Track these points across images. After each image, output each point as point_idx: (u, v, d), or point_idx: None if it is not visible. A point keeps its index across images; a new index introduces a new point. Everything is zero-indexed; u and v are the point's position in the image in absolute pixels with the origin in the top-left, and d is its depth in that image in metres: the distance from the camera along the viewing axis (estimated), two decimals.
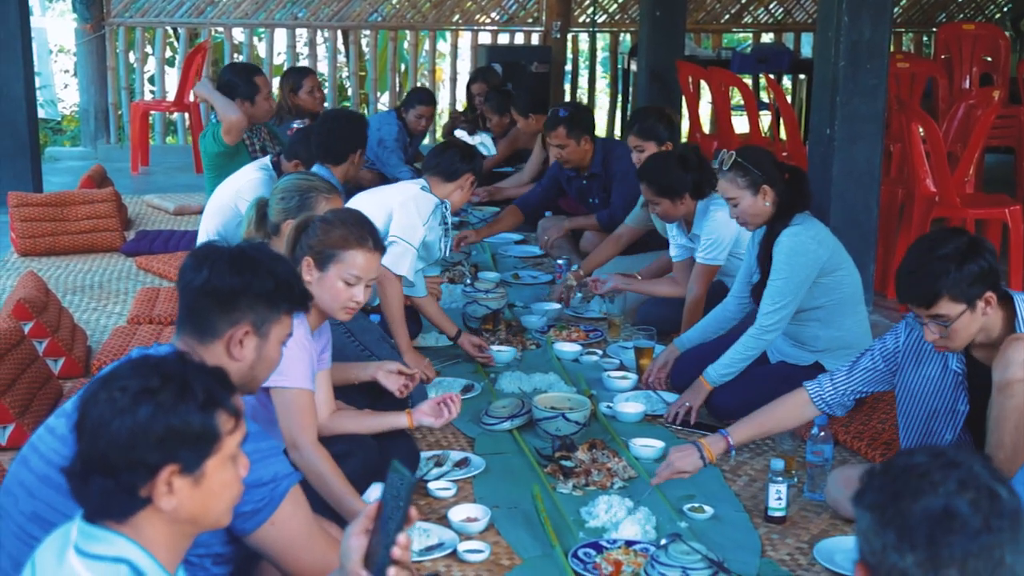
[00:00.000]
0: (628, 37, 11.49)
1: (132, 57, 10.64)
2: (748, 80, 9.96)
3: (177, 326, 2.52)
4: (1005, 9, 12.03)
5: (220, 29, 10.75)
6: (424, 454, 3.83)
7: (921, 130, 5.82)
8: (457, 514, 3.46)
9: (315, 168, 5.21)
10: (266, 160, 5.49)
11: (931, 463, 1.56)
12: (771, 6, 11.56)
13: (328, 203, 3.92)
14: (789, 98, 10.70)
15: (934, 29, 11.27)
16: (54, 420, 2.44)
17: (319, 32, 10.95)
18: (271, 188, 5.35)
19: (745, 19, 11.62)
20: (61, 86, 13.65)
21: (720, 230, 4.80)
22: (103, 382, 1.85)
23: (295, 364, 3.13)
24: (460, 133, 7.80)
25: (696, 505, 3.55)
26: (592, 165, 6.23)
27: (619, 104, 11.22)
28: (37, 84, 8.51)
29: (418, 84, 11.25)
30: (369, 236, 3.35)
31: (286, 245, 3.35)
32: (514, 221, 6.51)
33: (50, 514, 2.30)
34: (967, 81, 8.89)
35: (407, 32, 11.10)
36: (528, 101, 7.58)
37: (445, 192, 4.74)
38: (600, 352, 5.03)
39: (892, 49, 5.91)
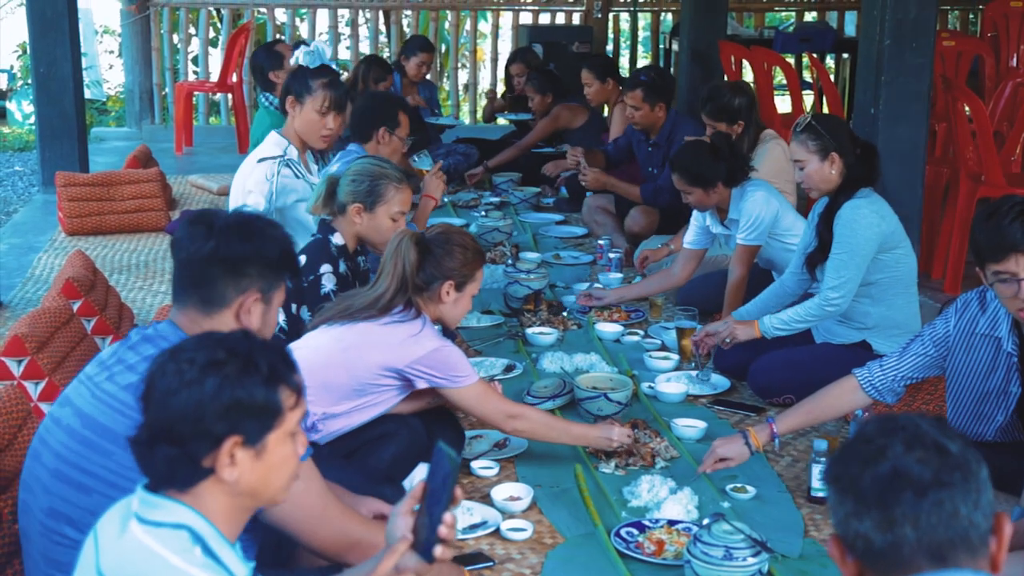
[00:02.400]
0: (669, 16, 11.42)
1: (176, 38, 10.72)
2: (791, 59, 9.87)
3: (176, 299, 2.47)
4: None
5: (263, 10, 10.80)
6: (468, 433, 3.86)
7: (967, 109, 5.76)
8: (500, 493, 3.49)
9: (351, 146, 5.20)
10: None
11: (879, 430, 1.62)
12: None
13: (397, 191, 3.96)
14: (832, 77, 10.60)
15: (981, 6, 11.09)
16: (58, 409, 2.42)
17: (361, 12, 10.97)
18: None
19: None
20: (106, 67, 13.77)
21: (759, 210, 4.78)
22: (170, 355, 1.90)
23: (462, 362, 3.44)
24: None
25: (739, 485, 3.56)
26: (659, 134, 6.25)
27: None
28: (83, 65, 8.58)
29: (459, 65, 11.26)
30: (483, 252, 3.67)
31: (414, 262, 3.44)
32: (598, 162, 6.65)
33: (66, 508, 2.31)
34: (1014, 59, 8.75)
35: (448, 12, 11.09)
36: (603, 63, 7.56)
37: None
38: (642, 333, 5.04)
39: (938, 27, 5.84)
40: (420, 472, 3.53)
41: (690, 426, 4.00)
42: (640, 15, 11.46)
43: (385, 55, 10.87)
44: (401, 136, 5.14)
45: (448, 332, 4.65)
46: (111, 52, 13.80)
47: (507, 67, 8.71)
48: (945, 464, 1.56)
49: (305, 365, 2.55)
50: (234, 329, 2.40)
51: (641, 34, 11.71)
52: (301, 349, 3.10)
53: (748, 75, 8.53)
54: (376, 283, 3.44)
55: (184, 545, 1.82)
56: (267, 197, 4.59)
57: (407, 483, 3.46)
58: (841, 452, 1.64)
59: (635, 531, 3.26)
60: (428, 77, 8.61)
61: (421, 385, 3.42)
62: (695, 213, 5.08)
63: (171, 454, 1.85)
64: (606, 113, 8.07)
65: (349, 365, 3.35)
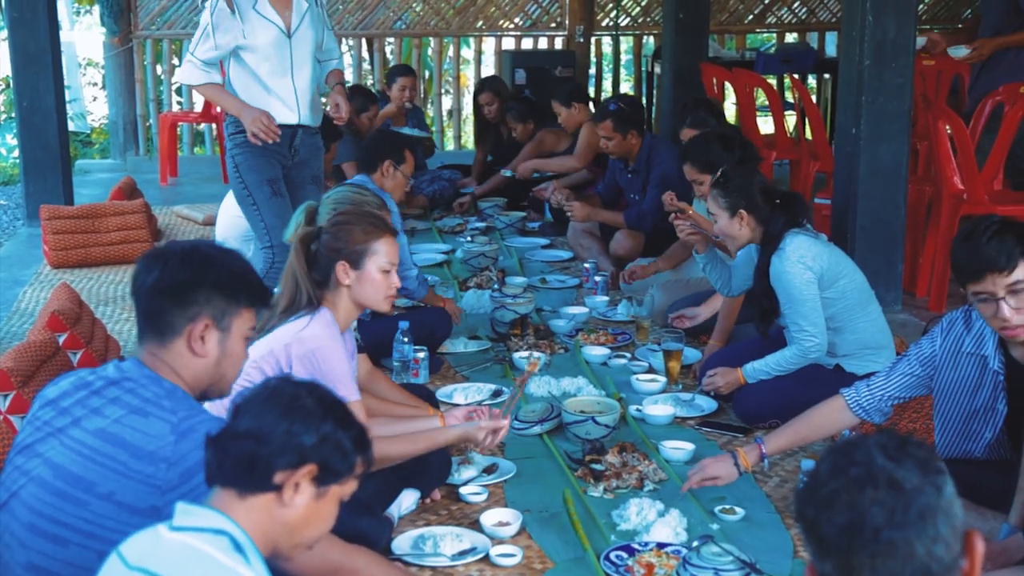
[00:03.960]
0: (651, 40, 11.48)
1: (159, 69, 10.73)
2: (773, 80, 9.93)
3: (139, 336, 2.46)
4: None
5: None
6: (455, 459, 3.85)
7: (948, 128, 5.80)
8: (489, 519, 3.47)
9: (358, 177, 5.35)
10: None
11: (831, 470, 1.59)
12: (795, 6, 11.52)
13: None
14: (814, 98, 10.67)
15: (960, 25, 11.21)
16: (23, 460, 2.37)
17: (344, 40, 11.00)
18: None
19: (769, 19, 11.59)
20: (90, 99, 13.77)
21: None
22: (287, 380, 2.05)
23: (345, 378, 3.26)
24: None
25: (727, 507, 3.56)
26: (637, 160, 6.28)
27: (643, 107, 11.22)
28: (67, 98, 8.58)
29: (443, 91, 11.30)
30: (383, 222, 3.46)
31: (299, 260, 3.35)
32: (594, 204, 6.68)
33: (44, 562, 2.29)
34: None
35: (431, 39, 11.14)
36: (568, 91, 7.59)
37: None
38: (628, 355, 5.04)
39: (917, 47, 5.90)
40: (407, 499, 3.53)
41: (678, 448, 4.00)
42: (622, 39, 11.53)
43: (369, 82, 10.91)
44: (405, 173, 5.43)
45: (434, 360, 4.66)
46: (95, 84, 13.81)
47: (475, 97, 8.63)
48: (899, 503, 1.54)
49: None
50: (190, 358, 2.40)
51: (623, 57, 11.79)
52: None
53: (731, 97, 8.59)
54: (276, 298, 3.33)
55: (226, 547, 1.88)
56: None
57: (394, 510, 3.45)
58: (803, 490, 1.63)
59: (624, 555, 3.26)
60: (414, 103, 8.62)
61: None
62: None
63: (255, 453, 1.94)
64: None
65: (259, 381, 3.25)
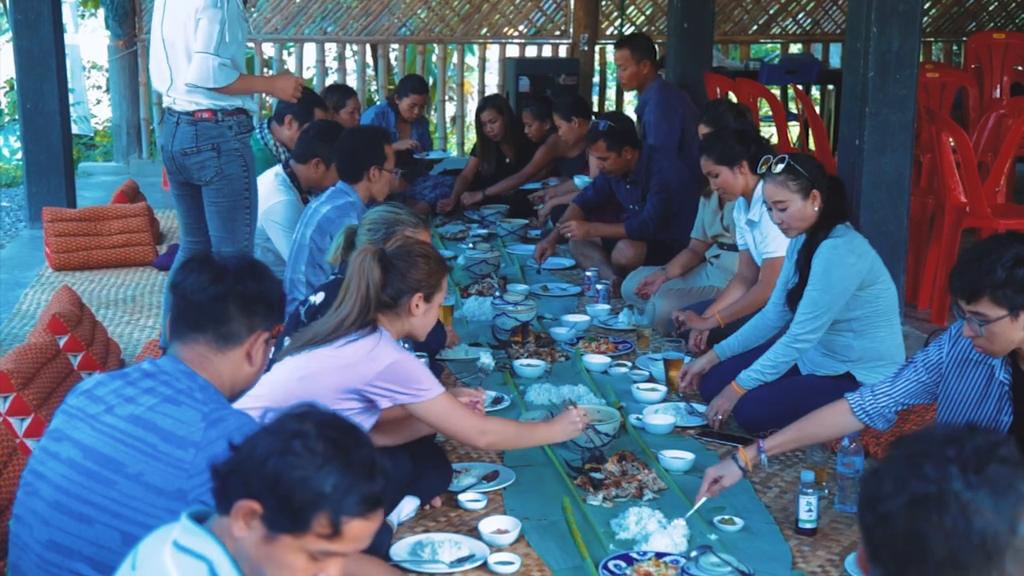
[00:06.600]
0: (656, 49, 11.48)
1: None
2: (776, 91, 9.93)
3: (182, 335, 2.51)
4: None
5: (250, 44, 10.83)
6: (456, 466, 3.85)
7: (951, 140, 5.79)
8: (487, 526, 3.47)
9: (340, 184, 5.23)
10: (279, 169, 5.61)
11: (899, 479, 1.51)
12: (799, 17, 11.54)
13: (415, 235, 3.97)
14: (818, 108, 10.68)
15: (964, 38, 11.21)
16: (52, 444, 2.43)
17: (348, 46, 11.02)
18: (296, 203, 5.50)
19: (773, 30, 11.60)
20: (94, 102, 13.78)
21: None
22: (305, 417, 1.94)
23: (423, 373, 3.36)
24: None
25: (726, 517, 3.55)
26: (636, 171, 6.27)
27: None
28: (71, 100, 8.59)
29: (446, 97, 11.30)
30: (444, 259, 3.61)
31: (377, 277, 3.37)
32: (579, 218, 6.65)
33: (66, 540, 2.33)
34: (998, 90, 8.84)
35: (435, 45, 11.15)
36: (569, 104, 7.55)
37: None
38: (629, 364, 5.04)
39: (922, 59, 5.89)
40: (407, 506, 3.53)
41: (678, 458, 4.00)
42: None
43: (373, 88, 10.91)
44: (389, 168, 5.25)
45: (434, 367, 4.67)
46: (98, 87, 13.82)
47: (478, 114, 8.57)
48: (966, 540, 1.45)
49: (267, 401, 2.56)
50: (244, 366, 2.48)
51: None
52: (263, 385, 2.93)
53: None
54: (340, 306, 3.36)
55: (202, 573, 1.86)
56: None
57: (394, 516, 3.45)
58: (864, 488, 1.58)
59: (623, 564, 3.25)
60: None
61: (384, 404, 3.33)
62: (736, 221, 5.11)
63: (231, 485, 1.87)
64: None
65: (307, 395, 3.28)
